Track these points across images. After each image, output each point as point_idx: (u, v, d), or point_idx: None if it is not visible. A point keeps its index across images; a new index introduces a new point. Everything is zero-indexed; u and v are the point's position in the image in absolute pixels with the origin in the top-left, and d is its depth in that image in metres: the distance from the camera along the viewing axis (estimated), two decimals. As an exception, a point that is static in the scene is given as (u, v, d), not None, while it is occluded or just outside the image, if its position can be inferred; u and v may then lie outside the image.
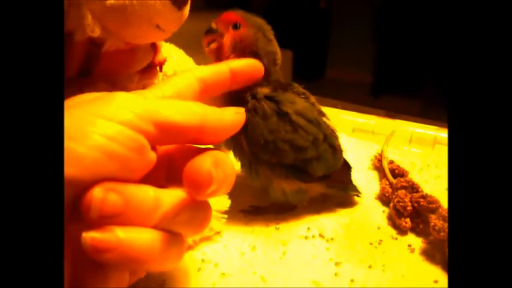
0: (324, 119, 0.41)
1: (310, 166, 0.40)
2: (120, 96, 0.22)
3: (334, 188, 0.44)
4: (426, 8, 2.09)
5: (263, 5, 2.51)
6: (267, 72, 0.38)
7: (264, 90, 0.38)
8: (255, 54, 0.37)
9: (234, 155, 0.41)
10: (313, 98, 0.42)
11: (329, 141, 0.41)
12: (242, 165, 0.42)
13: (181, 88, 0.27)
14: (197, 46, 0.40)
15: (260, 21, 0.40)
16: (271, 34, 0.40)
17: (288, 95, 0.39)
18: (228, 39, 0.38)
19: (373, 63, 2.40)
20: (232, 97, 0.38)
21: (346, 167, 0.45)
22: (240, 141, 0.39)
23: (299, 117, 0.38)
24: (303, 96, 0.40)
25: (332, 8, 2.44)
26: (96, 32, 0.29)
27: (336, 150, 0.42)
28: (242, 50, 0.38)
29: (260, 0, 2.48)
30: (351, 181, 0.45)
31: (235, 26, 0.38)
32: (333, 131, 0.42)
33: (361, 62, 2.41)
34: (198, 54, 0.44)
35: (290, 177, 0.40)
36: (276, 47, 0.40)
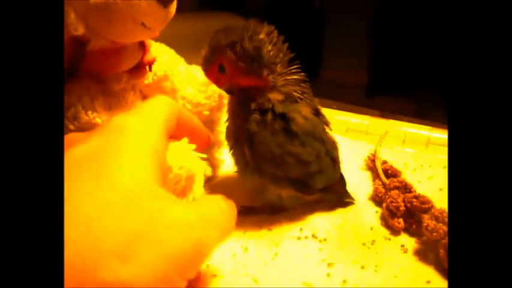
0: (327, 129, 0.41)
1: (312, 179, 0.40)
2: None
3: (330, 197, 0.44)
4: (421, 9, 2.09)
5: (257, 5, 2.51)
6: (273, 82, 0.37)
7: (276, 97, 0.37)
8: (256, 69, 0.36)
9: (232, 153, 0.41)
10: (321, 110, 0.41)
11: (330, 154, 0.41)
12: (237, 166, 0.41)
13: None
14: (190, 46, 0.40)
15: (252, 36, 0.36)
16: (268, 41, 0.36)
17: (301, 108, 0.38)
18: (224, 83, 0.38)
19: (367, 64, 2.40)
20: (243, 101, 0.37)
21: (342, 178, 0.45)
22: (242, 149, 0.38)
23: (307, 137, 0.38)
24: (314, 111, 0.39)
25: (326, 9, 2.44)
26: (80, 31, 0.28)
27: (336, 162, 0.42)
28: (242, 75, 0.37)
29: (254, 1, 2.48)
30: (346, 191, 0.45)
31: (222, 70, 0.37)
32: (333, 143, 0.42)
33: (355, 63, 2.41)
34: (191, 54, 0.44)
35: (292, 189, 0.40)
36: (279, 52, 0.37)
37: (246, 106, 0.37)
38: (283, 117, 0.37)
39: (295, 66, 0.38)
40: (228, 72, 0.36)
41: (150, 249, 0.18)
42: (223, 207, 0.24)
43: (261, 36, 0.36)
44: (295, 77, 0.38)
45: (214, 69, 0.37)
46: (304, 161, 0.38)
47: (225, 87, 0.38)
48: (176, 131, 0.25)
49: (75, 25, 0.28)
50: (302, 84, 0.39)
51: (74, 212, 0.17)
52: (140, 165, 0.20)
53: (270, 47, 0.36)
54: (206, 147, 0.28)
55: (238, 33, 0.35)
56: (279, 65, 0.37)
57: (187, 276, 0.20)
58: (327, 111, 0.42)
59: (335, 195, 0.44)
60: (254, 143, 0.37)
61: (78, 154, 0.20)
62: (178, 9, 0.33)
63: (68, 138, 0.23)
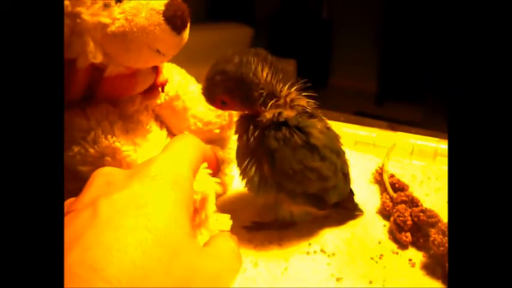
0: (338, 143, 0.42)
1: (327, 194, 0.41)
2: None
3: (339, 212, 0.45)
4: (428, 16, 2.10)
5: (266, 17, 2.54)
6: (265, 110, 0.38)
7: (289, 114, 0.38)
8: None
9: (242, 170, 0.41)
10: (331, 126, 0.42)
11: (343, 170, 0.42)
12: (250, 184, 0.41)
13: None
14: (199, 57, 0.41)
15: (244, 68, 0.37)
16: (264, 67, 0.37)
17: (316, 123, 0.39)
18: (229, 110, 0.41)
19: (375, 71, 2.42)
20: (253, 117, 0.38)
21: (350, 194, 0.45)
22: (258, 166, 0.39)
23: (326, 149, 0.38)
24: (326, 126, 0.40)
25: (334, 19, 2.47)
26: (99, 58, 0.30)
27: (347, 177, 0.43)
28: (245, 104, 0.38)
29: (263, 11, 2.51)
30: (354, 206, 0.46)
31: (224, 104, 0.38)
32: (345, 158, 0.43)
33: (363, 71, 2.43)
34: (201, 66, 0.45)
35: (307, 205, 0.41)
36: (277, 75, 0.38)
37: (255, 124, 0.38)
38: (302, 131, 0.37)
39: (302, 86, 0.39)
40: (229, 104, 0.38)
41: None
42: (234, 249, 0.26)
43: (253, 65, 0.37)
44: (302, 97, 0.39)
45: (218, 105, 0.39)
46: (324, 176, 0.39)
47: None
48: None
49: (93, 53, 0.29)
50: (310, 101, 0.40)
51: (127, 260, 0.19)
52: (180, 221, 0.22)
53: (263, 74, 0.37)
54: (217, 173, 0.30)
55: (231, 67, 0.36)
56: (279, 87, 0.38)
57: None
58: (334, 124, 0.43)
59: (344, 211, 0.45)
60: (276, 160, 0.37)
61: (122, 200, 0.21)
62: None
63: (104, 173, 0.24)
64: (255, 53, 0.37)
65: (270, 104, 0.38)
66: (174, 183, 0.23)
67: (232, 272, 0.24)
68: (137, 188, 0.22)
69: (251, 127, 0.38)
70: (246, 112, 0.39)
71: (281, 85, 0.38)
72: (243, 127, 0.39)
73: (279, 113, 0.37)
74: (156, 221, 0.21)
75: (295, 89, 0.39)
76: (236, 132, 0.41)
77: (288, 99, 0.38)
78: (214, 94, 0.38)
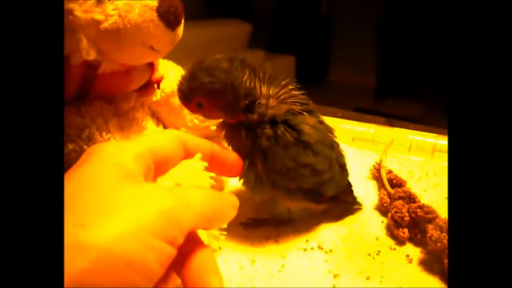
0: (331, 135, 0.42)
1: (324, 188, 0.40)
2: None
3: (338, 206, 0.45)
4: (428, 12, 2.10)
5: (265, 13, 2.53)
6: (250, 117, 0.37)
7: (275, 112, 0.37)
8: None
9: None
10: (324, 121, 0.41)
11: (339, 161, 0.42)
12: (246, 182, 0.40)
13: (164, 143, 0.27)
14: (198, 54, 0.40)
15: (226, 71, 0.35)
16: (243, 71, 0.36)
17: (307, 118, 0.38)
18: (204, 115, 0.39)
19: (375, 67, 2.42)
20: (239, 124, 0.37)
21: (349, 186, 0.45)
22: (255, 163, 0.38)
23: (319, 144, 0.38)
24: (318, 121, 0.40)
25: (333, 15, 2.47)
26: (92, 55, 0.29)
27: (344, 168, 0.43)
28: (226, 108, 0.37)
29: (262, 8, 2.50)
30: (353, 199, 0.46)
31: (200, 106, 0.36)
32: (340, 150, 0.43)
33: (362, 67, 2.44)
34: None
35: (305, 200, 0.40)
36: (259, 78, 0.37)
37: (245, 126, 0.37)
38: (293, 128, 0.37)
39: (288, 83, 0.39)
40: (205, 108, 0.36)
41: (109, 216, 0.20)
42: (208, 192, 0.26)
43: (233, 70, 0.35)
44: (290, 92, 0.38)
45: (192, 106, 0.37)
46: (318, 171, 0.39)
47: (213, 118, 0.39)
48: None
49: (87, 50, 0.29)
50: (301, 97, 0.39)
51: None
52: (104, 171, 0.22)
53: (244, 79, 0.36)
54: (237, 173, 0.32)
55: (211, 71, 0.35)
56: (263, 88, 0.37)
57: (169, 238, 0.21)
58: (332, 120, 0.43)
59: (343, 204, 0.45)
60: (268, 158, 0.37)
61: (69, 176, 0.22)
62: (187, 17, 0.34)
63: None
64: (241, 60, 0.36)
65: (253, 107, 0.36)
66: (106, 153, 0.23)
67: (190, 201, 0.23)
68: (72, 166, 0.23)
69: (243, 130, 0.37)
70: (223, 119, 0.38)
71: (265, 87, 0.37)
72: (232, 131, 0.38)
73: (264, 113, 0.37)
74: (77, 174, 0.22)
75: (286, 89, 0.38)
76: (225, 137, 0.40)
77: (272, 101, 0.37)
78: (193, 94, 0.36)
